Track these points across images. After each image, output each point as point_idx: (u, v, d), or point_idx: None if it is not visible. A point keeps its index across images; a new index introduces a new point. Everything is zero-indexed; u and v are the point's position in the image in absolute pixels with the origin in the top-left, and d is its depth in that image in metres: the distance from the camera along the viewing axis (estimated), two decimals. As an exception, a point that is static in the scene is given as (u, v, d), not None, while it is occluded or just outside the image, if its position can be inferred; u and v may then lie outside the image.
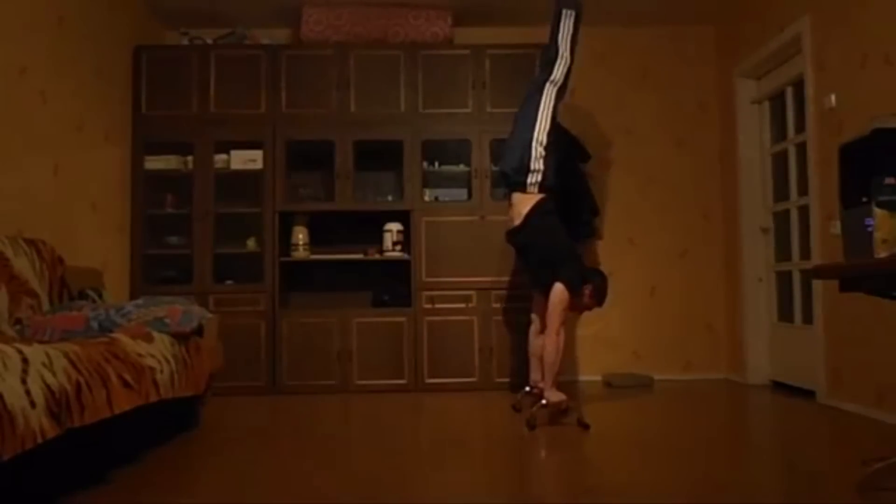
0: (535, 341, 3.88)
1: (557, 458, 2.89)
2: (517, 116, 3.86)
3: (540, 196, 3.67)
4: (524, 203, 3.68)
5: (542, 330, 3.72)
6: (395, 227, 4.83)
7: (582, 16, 3.92)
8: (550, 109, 3.74)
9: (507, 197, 3.83)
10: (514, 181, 3.73)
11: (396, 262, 4.86)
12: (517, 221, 3.70)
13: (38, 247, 3.30)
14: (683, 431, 3.33)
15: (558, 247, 3.65)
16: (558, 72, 3.78)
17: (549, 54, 3.84)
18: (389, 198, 4.99)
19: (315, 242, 4.89)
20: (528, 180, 3.66)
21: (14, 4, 3.45)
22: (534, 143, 3.67)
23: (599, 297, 3.73)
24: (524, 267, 4.00)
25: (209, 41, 5.05)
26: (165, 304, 3.12)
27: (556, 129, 3.78)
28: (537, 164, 3.65)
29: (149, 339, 2.78)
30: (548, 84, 3.76)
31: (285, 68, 4.85)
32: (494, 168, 4.86)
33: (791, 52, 4.43)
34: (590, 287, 3.67)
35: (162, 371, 2.72)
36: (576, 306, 3.69)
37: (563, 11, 3.86)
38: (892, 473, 2.26)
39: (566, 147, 5.07)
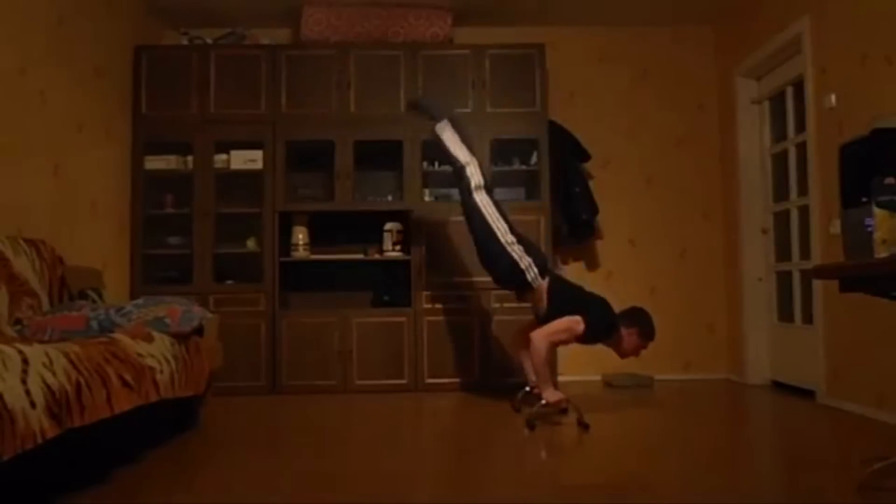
0: (515, 340, 3.96)
1: (557, 458, 2.89)
2: (473, 233, 3.85)
3: (548, 281, 3.67)
4: (539, 294, 3.69)
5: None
6: (395, 227, 4.83)
7: (456, 117, 3.91)
8: (494, 209, 3.74)
9: (521, 299, 3.88)
10: (520, 289, 3.76)
11: (396, 262, 4.86)
12: (543, 306, 3.69)
13: (38, 247, 3.30)
14: (683, 431, 3.33)
15: (580, 299, 3.63)
16: (475, 176, 3.77)
17: (456, 170, 3.84)
18: (389, 198, 4.99)
19: (315, 242, 4.89)
20: (528, 278, 3.66)
21: (14, 4, 3.45)
22: (508, 249, 3.67)
23: (648, 336, 3.60)
24: None
25: (209, 41, 5.05)
26: (165, 304, 3.12)
27: (508, 219, 3.77)
28: (523, 260, 3.66)
29: (149, 339, 2.78)
30: (475, 193, 3.75)
31: (285, 68, 4.85)
32: (494, 168, 4.87)
33: (791, 52, 4.43)
34: (634, 330, 3.57)
35: (162, 371, 2.72)
36: (626, 352, 3.62)
37: (436, 130, 3.87)
38: (892, 473, 2.26)
39: (566, 147, 5.08)
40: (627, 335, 3.58)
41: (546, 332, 3.50)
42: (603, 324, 3.55)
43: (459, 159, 3.80)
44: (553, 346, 3.53)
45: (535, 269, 3.65)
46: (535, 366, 3.50)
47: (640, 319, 3.60)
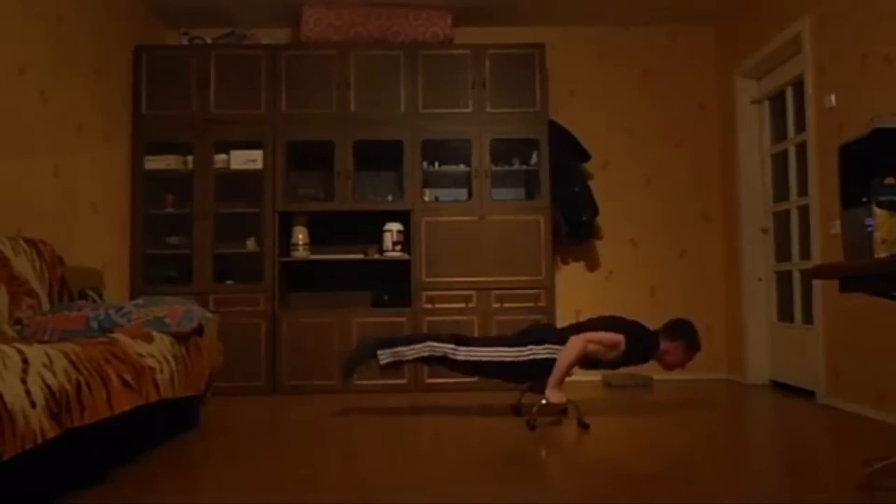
0: None
1: (557, 458, 2.89)
2: (495, 377, 3.75)
3: (576, 337, 3.53)
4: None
5: None
6: (395, 227, 4.83)
7: (377, 341, 3.67)
8: (483, 348, 3.59)
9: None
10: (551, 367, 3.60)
11: (396, 262, 4.86)
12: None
13: (38, 247, 3.30)
14: (683, 431, 3.33)
15: (619, 325, 3.58)
16: (444, 347, 3.58)
17: (428, 361, 3.72)
18: (389, 198, 4.99)
19: (315, 242, 4.89)
20: (546, 355, 3.53)
21: (13, 4, 3.45)
22: (527, 359, 3.54)
23: (695, 347, 3.55)
24: None
25: (209, 41, 5.06)
26: (165, 304, 3.12)
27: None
28: (542, 351, 3.53)
29: (149, 339, 2.78)
30: (458, 355, 3.57)
31: (285, 68, 4.85)
32: (495, 168, 4.87)
33: (791, 52, 4.43)
34: (680, 343, 3.53)
35: (162, 371, 2.72)
36: (673, 364, 3.58)
37: (383, 363, 3.62)
38: (892, 473, 2.26)
39: (565, 147, 5.08)
40: (673, 348, 3.53)
41: (587, 336, 3.48)
42: (642, 346, 3.51)
43: (423, 353, 3.62)
44: (585, 352, 3.47)
45: (555, 346, 3.52)
46: (559, 361, 3.46)
47: (684, 331, 3.55)
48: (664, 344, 3.55)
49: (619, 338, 3.49)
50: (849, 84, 3.75)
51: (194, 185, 4.78)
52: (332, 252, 4.93)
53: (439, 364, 3.71)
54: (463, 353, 3.59)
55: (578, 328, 3.63)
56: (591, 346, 3.48)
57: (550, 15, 5.24)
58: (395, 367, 3.74)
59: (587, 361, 3.56)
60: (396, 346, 3.63)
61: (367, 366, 3.70)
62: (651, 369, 5.17)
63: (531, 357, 3.55)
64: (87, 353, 2.24)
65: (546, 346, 3.57)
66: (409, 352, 3.63)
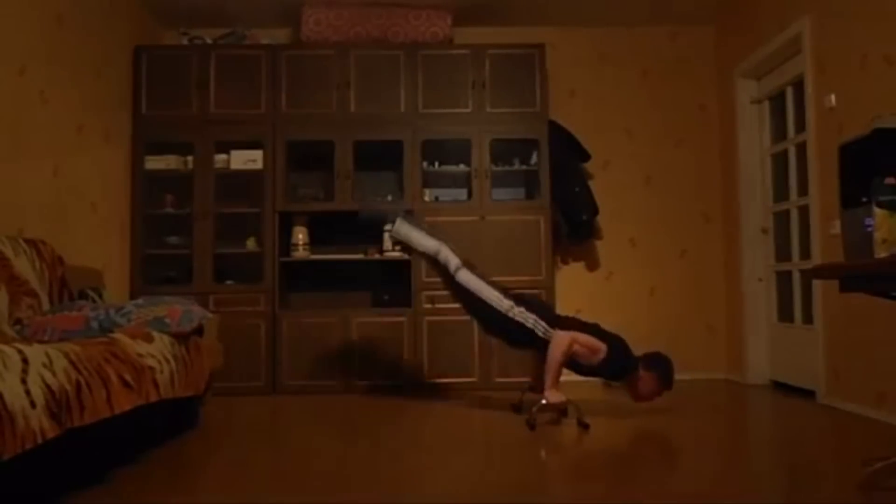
0: None
1: (557, 458, 2.89)
2: (469, 312, 3.79)
3: (555, 329, 3.57)
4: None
5: None
6: (395, 227, 4.82)
7: (408, 214, 3.80)
8: (481, 282, 3.66)
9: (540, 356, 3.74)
10: (538, 347, 3.64)
11: (396, 262, 4.86)
12: None
13: (38, 247, 3.30)
14: (683, 431, 3.33)
15: (598, 334, 3.58)
16: (451, 259, 3.69)
17: (430, 261, 3.78)
18: (389, 198, 4.99)
19: (315, 242, 4.89)
20: (541, 333, 3.57)
21: (13, 4, 3.45)
22: (510, 315, 3.60)
23: (667, 383, 3.55)
24: None
25: (209, 41, 5.05)
26: (165, 304, 3.12)
27: (495, 287, 3.68)
28: (528, 320, 3.58)
29: (149, 339, 2.78)
30: (457, 275, 3.67)
31: (285, 68, 4.85)
32: (495, 168, 4.87)
33: (791, 52, 4.43)
34: (654, 375, 3.52)
35: (162, 371, 2.72)
36: (642, 395, 3.58)
37: (393, 232, 3.79)
38: (892, 473, 2.26)
39: (566, 147, 5.08)
40: (647, 378, 3.53)
41: (573, 334, 3.49)
42: (621, 361, 3.51)
43: (430, 249, 3.71)
44: (571, 350, 3.49)
45: (543, 323, 3.58)
46: (549, 360, 3.47)
47: (661, 365, 3.55)
48: (641, 371, 3.54)
49: (602, 345, 3.49)
50: (849, 84, 3.75)
51: (194, 185, 4.78)
52: (332, 252, 4.93)
53: (440, 273, 3.75)
54: (464, 276, 3.65)
55: (568, 323, 3.64)
56: (576, 346, 3.49)
57: (551, 15, 5.24)
58: (399, 243, 3.83)
59: (567, 362, 3.57)
60: (418, 229, 3.74)
61: (378, 223, 3.87)
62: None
63: (520, 319, 3.58)
64: (87, 353, 2.24)
65: (535, 316, 3.59)
66: (422, 242, 3.72)
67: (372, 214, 3.92)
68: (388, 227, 3.86)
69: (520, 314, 3.60)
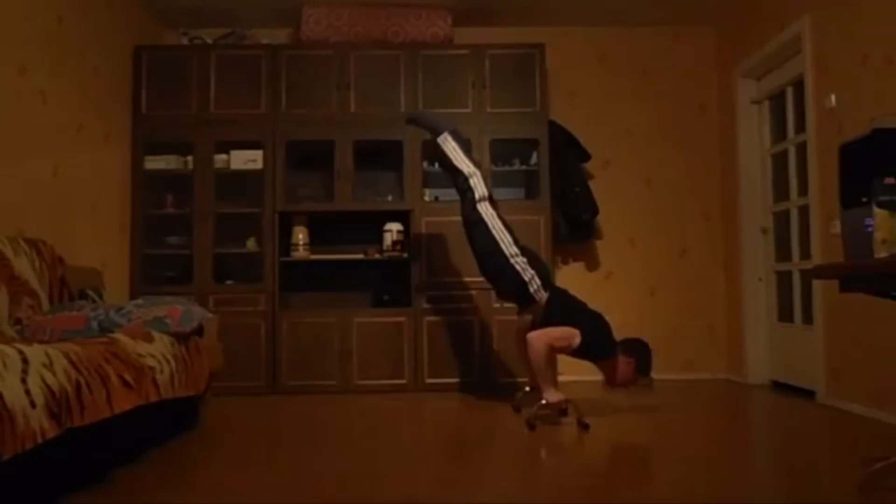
0: (520, 338, 3.90)
1: (557, 458, 2.89)
2: (473, 246, 3.84)
3: (549, 294, 3.63)
4: (539, 308, 3.64)
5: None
6: (395, 227, 4.82)
7: (456, 130, 3.91)
8: (498, 221, 3.72)
9: (522, 312, 3.81)
10: (522, 302, 3.71)
11: (396, 262, 4.86)
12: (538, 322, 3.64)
13: (38, 247, 3.30)
14: (683, 431, 3.33)
15: (579, 313, 3.58)
16: (479, 187, 3.76)
17: (459, 182, 3.83)
18: (389, 198, 4.99)
19: (315, 242, 4.89)
20: (531, 290, 3.62)
21: (13, 4, 3.45)
22: (511, 261, 3.64)
23: (644, 369, 3.55)
24: None
25: (209, 41, 5.05)
26: (165, 304, 3.12)
27: (511, 230, 3.75)
28: (526, 272, 3.62)
29: (149, 339, 2.78)
30: (479, 204, 3.74)
31: (285, 68, 4.85)
32: (495, 168, 4.87)
33: (791, 52, 4.43)
34: (632, 360, 3.51)
35: (162, 371, 2.72)
36: (617, 380, 3.56)
37: (438, 142, 3.88)
38: (892, 473, 2.26)
39: (565, 147, 5.08)
40: (624, 363, 3.52)
41: (544, 333, 3.48)
42: (599, 342, 3.50)
43: (463, 170, 3.78)
44: (551, 349, 3.50)
45: (538, 282, 3.61)
46: (535, 366, 3.49)
47: (640, 351, 3.54)
48: (620, 355, 3.52)
49: (575, 331, 3.46)
50: (849, 84, 3.75)
51: (194, 185, 4.78)
52: (332, 252, 4.93)
53: (462, 198, 3.83)
54: (485, 209, 3.73)
55: (555, 300, 3.62)
56: (553, 343, 3.47)
57: (551, 15, 5.24)
58: (440, 157, 3.94)
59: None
60: (463, 150, 3.83)
61: (427, 130, 4.02)
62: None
63: (519, 269, 3.62)
64: (87, 353, 2.24)
65: (534, 272, 3.62)
66: (462, 161, 3.81)
67: (423, 121, 4.02)
68: (434, 136, 3.95)
69: (521, 263, 3.64)
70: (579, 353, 3.55)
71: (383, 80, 4.86)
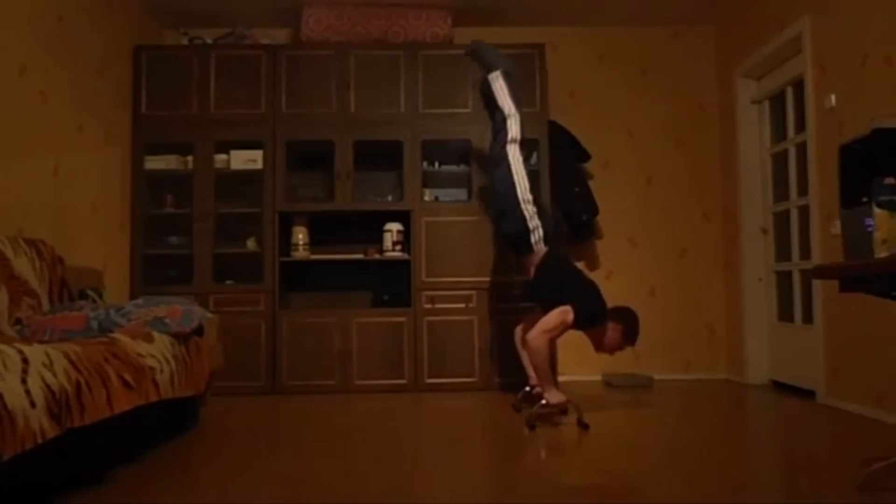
0: (519, 340, 3.96)
1: (557, 458, 2.89)
2: (492, 180, 3.95)
3: (546, 251, 3.69)
4: (534, 261, 3.72)
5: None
6: (395, 227, 4.83)
7: (511, 72, 4.00)
8: (521, 166, 3.80)
9: (519, 260, 3.94)
10: (520, 248, 3.79)
11: (396, 262, 4.86)
12: (531, 275, 3.75)
13: (38, 247, 3.30)
14: (683, 431, 3.33)
15: (571, 282, 3.61)
16: (514, 129, 3.85)
17: (497, 120, 3.92)
18: (389, 198, 4.99)
19: (315, 242, 4.89)
20: (533, 240, 3.70)
21: (13, 4, 3.45)
22: (522, 206, 3.72)
23: (631, 337, 3.58)
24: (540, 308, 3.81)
25: (209, 41, 5.06)
26: (165, 304, 3.12)
27: (532, 180, 3.85)
28: (533, 220, 3.70)
29: (149, 339, 2.78)
30: (509, 145, 3.83)
31: (285, 68, 4.85)
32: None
33: (791, 52, 4.43)
34: (619, 327, 3.55)
35: (162, 371, 2.72)
36: (604, 346, 3.59)
37: (489, 77, 3.98)
38: (892, 473, 2.26)
39: (565, 147, 5.08)
40: (612, 329, 3.55)
41: (541, 330, 3.48)
42: (591, 312, 3.52)
43: (504, 109, 3.88)
44: (551, 343, 3.51)
45: (541, 233, 3.68)
46: (536, 367, 3.49)
47: (628, 318, 3.57)
48: (608, 321, 3.56)
49: (565, 309, 3.46)
50: (849, 84, 3.75)
51: (194, 185, 4.78)
52: (332, 252, 4.93)
53: (494, 135, 3.95)
54: (513, 151, 3.82)
55: (551, 267, 3.65)
56: (551, 335, 3.48)
57: (550, 15, 5.24)
58: (488, 89, 4.00)
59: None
60: (510, 91, 3.92)
61: (483, 64, 4.12)
62: (652, 369, 5.20)
63: (527, 216, 3.70)
64: (87, 353, 2.24)
65: (539, 224, 3.69)
66: (506, 100, 3.90)
67: (483, 53, 4.12)
68: (487, 72, 4.03)
69: (531, 211, 3.71)
70: (575, 326, 3.57)
71: (383, 80, 4.86)
